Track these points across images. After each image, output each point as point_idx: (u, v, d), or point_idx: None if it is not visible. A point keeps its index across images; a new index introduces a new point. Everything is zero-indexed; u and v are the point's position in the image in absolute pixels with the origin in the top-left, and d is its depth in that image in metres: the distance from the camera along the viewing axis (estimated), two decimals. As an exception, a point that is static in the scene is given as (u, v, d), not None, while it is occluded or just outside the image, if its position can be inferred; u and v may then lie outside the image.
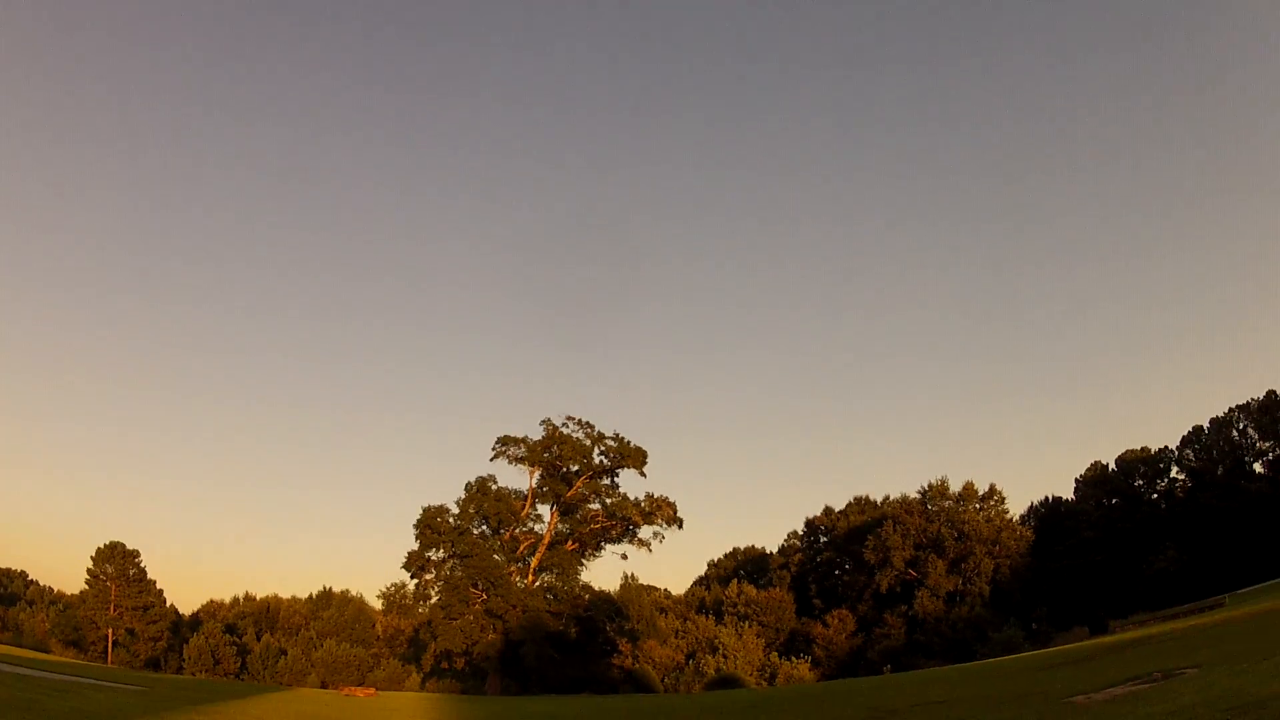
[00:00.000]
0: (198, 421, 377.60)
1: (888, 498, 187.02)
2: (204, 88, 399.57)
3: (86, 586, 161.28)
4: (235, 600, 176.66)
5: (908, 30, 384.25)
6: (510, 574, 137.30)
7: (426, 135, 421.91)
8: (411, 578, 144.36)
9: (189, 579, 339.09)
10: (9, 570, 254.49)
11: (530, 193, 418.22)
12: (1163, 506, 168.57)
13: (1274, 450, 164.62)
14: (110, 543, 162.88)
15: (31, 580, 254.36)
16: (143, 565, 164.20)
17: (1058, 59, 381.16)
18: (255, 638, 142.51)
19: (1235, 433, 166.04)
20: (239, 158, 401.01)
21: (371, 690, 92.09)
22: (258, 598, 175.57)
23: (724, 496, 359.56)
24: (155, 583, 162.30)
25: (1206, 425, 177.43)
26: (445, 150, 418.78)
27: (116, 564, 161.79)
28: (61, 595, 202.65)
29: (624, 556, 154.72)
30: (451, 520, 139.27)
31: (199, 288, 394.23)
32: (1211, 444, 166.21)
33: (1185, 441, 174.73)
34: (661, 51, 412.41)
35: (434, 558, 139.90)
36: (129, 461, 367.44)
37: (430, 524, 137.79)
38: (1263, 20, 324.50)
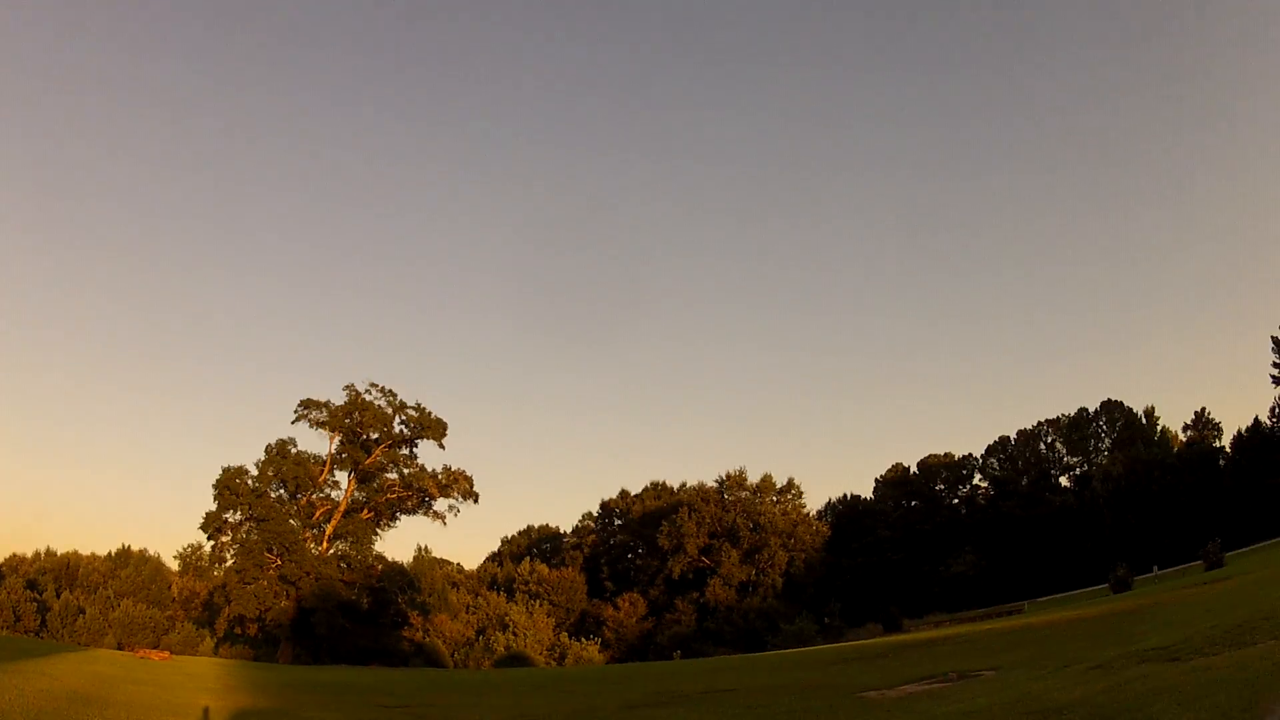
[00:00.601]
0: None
1: (685, 484, 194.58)
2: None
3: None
4: (37, 555, 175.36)
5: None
6: (305, 540, 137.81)
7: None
8: (209, 539, 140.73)
9: None
10: None
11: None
12: (963, 512, 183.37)
13: (1081, 466, 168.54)
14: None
15: None
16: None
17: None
18: (55, 595, 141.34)
19: (1043, 446, 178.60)
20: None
21: (166, 654, 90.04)
22: (58, 553, 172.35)
23: (520, 473, 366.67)
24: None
25: (1013, 436, 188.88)
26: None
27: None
28: None
29: (445, 516, 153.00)
30: (250, 483, 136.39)
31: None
32: (1017, 455, 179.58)
33: (990, 450, 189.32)
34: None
35: (231, 520, 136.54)
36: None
37: (229, 485, 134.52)
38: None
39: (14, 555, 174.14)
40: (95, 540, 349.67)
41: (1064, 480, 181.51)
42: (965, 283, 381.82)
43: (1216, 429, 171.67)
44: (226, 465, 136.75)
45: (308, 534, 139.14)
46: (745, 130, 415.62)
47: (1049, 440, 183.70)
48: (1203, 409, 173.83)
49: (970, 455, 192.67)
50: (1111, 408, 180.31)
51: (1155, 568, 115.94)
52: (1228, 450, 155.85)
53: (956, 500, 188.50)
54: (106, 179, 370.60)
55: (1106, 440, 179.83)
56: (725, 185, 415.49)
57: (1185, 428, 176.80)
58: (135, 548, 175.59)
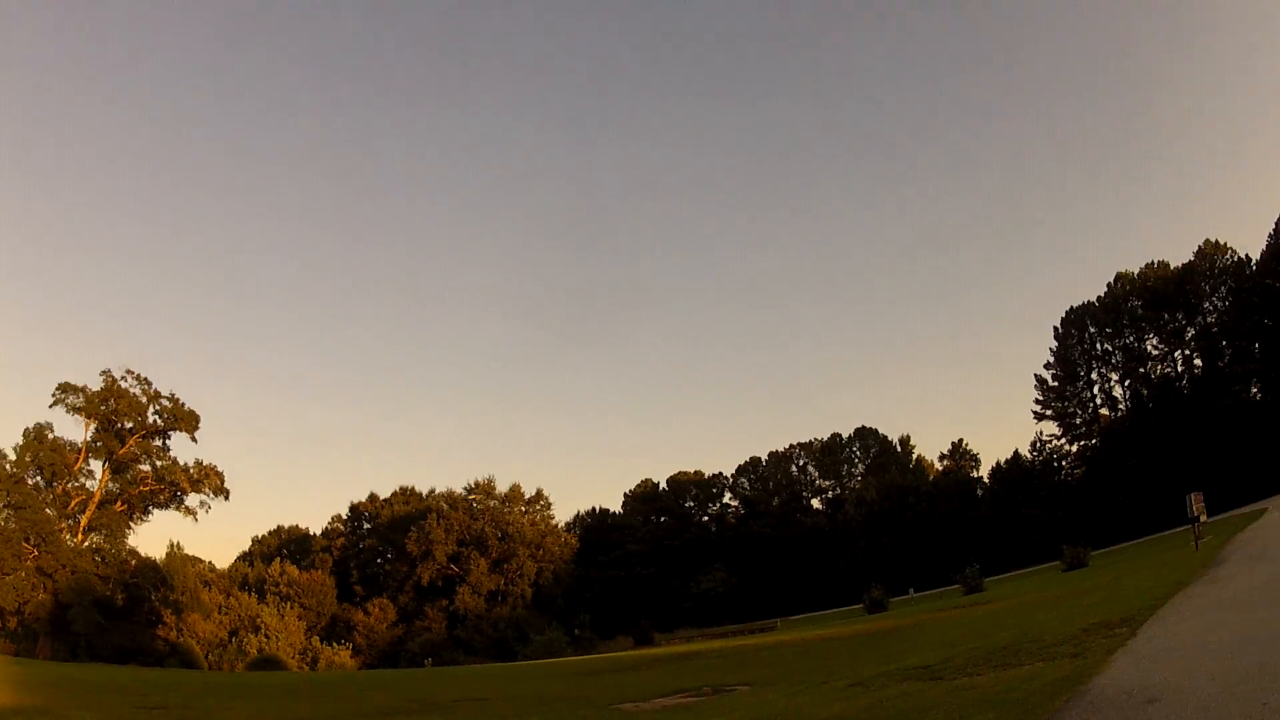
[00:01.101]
0: None
1: (434, 491, 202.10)
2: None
3: None
4: None
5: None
6: (61, 531, 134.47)
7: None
8: None
9: None
10: None
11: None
12: (714, 530, 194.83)
13: (834, 489, 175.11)
14: None
15: None
16: None
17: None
18: None
19: (795, 468, 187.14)
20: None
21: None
22: None
23: (271, 471, 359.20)
24: None
25: (765, 457, 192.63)
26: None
27: None
28: None
29: (196, 512, 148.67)
30: (8, 467, 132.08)
31: None
32: (769, 475, 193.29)
33: (741, 470, 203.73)
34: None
35: None
36: None
37: None
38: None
39: None
40: None
41: (816, 502, 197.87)
42: (722, 305, 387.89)
43: (974, 460, 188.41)
44: None
45: (63, 525, 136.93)
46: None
47: (801, 463, 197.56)
48: (960, 440, 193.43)
49: (721, 474, 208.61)
50: (865, 434, 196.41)
51: (911, 590, 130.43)
52: (986, 480, 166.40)
53: (707, 518, 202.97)
54: None
55: (860, 465, 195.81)
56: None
57: (942, 457, 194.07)
58: None
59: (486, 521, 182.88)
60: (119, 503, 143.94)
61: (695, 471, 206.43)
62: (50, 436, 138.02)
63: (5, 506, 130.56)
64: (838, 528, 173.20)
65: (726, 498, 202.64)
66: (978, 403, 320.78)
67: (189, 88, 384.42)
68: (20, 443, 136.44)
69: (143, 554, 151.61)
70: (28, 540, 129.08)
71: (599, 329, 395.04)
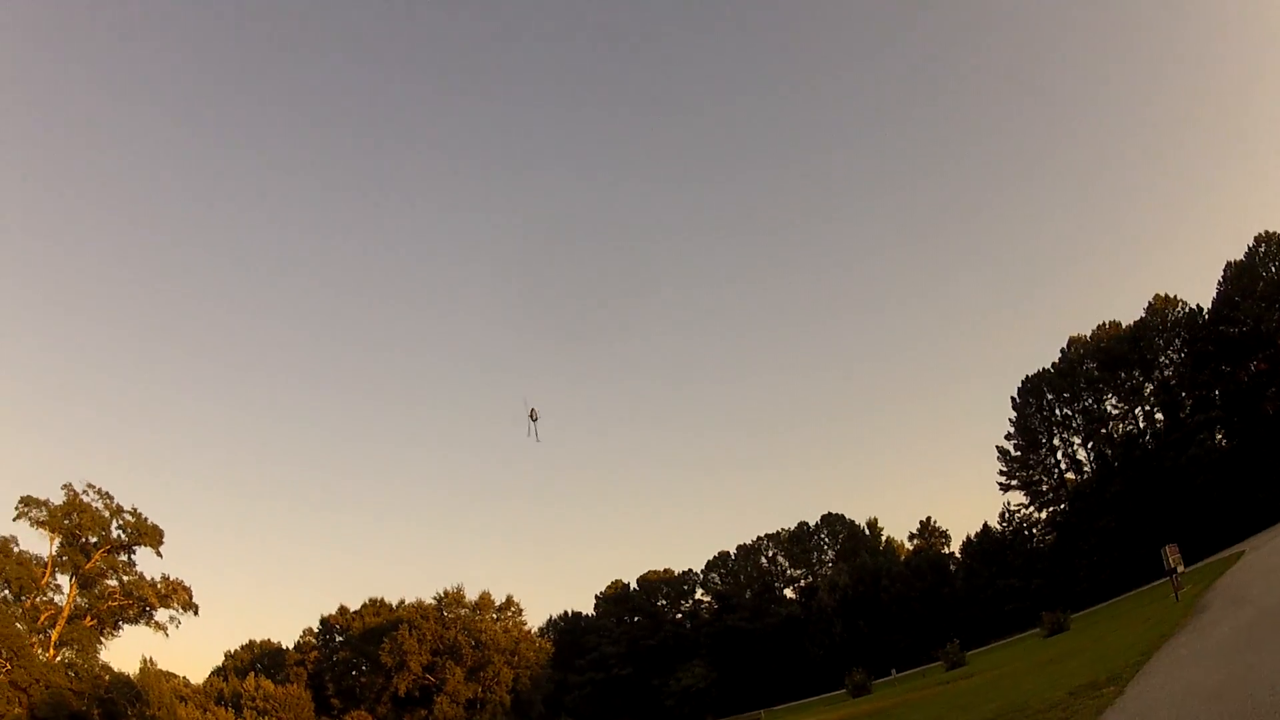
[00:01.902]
0: None
1: (404, 601, 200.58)
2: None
3: None
4: None
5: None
6: (33, 645, 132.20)
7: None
8: None
9: None
10: None
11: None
12: (688, 626, 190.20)
13: (806, 578, 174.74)
14: None
15: None
16: None
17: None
18: None
19: (764, 559, 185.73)
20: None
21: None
22: None
23: (241, 584, 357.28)
24: None
25: (734, 551, 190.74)
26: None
27: None
28: None
29: (166, 627, 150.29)
30: None
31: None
32: (739, 569, 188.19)
33: (711, 565, 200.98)
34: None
35: None
36: None
37: None
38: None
39: None
40: None
41: (789, 592, 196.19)
42: (677, 394, 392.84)
43: (944, 536, 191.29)
44: None
45: (34, 639, 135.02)
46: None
47: (770, 554, 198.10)
48: (929, 518, 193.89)
49: (690, 571, 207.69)
50: (833, 520, 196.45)
51: (894, 670, 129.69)
52: (958, 555, 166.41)
53: (680, 615, 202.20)
54: None
55: (830, 551, 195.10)
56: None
57: (912, 536, 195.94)
58: None
59: (459, 630, 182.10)
60: (88, 618, 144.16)
61: (665, 570, 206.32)
62: (15, 550, 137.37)
63: None
64: (812, 615, 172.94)
65: (699, 594, 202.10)
66: (943, 480, 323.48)
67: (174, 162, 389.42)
68: None
69: (116, 669, 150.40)
70: (0, 655, 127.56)
71: (562, 435, 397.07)
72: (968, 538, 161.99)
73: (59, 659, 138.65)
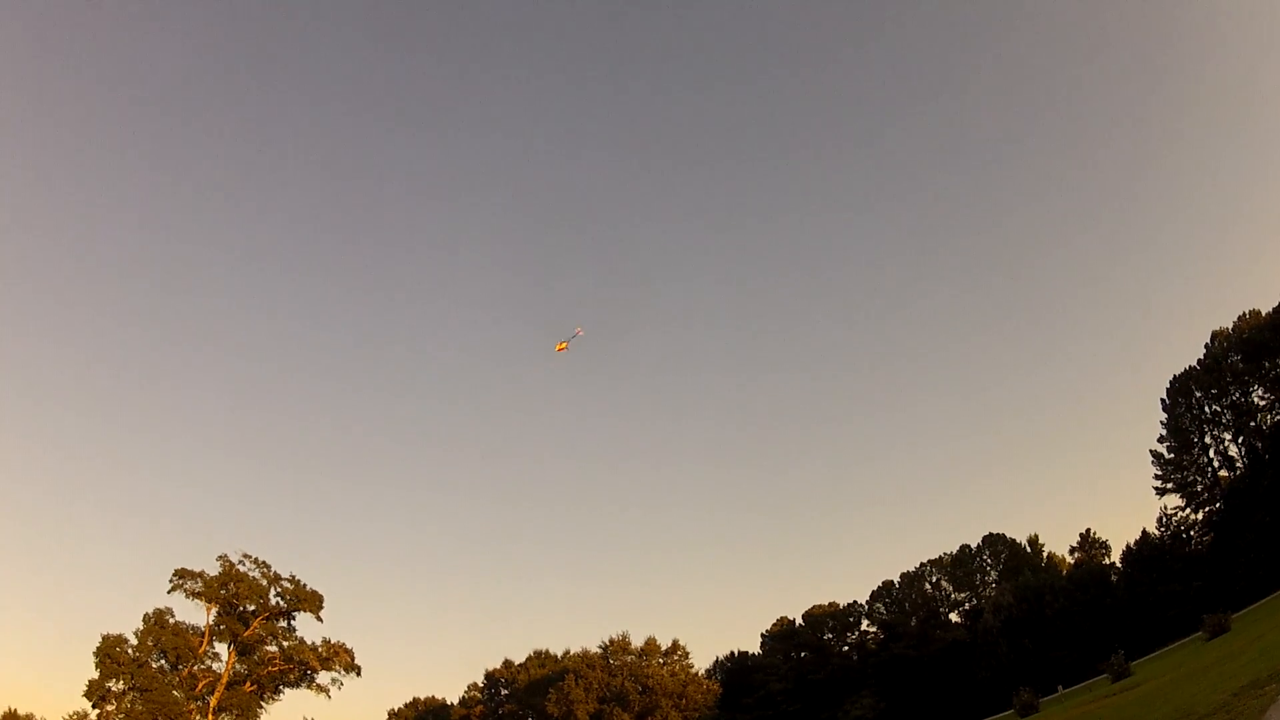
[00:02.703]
0: None
1: (568, 651, 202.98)
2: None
3: None
4: None
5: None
6: (191, 712, 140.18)
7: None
8: (93, 707, 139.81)
9: None
10: None
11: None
12: (855, 658, 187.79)
13: (970, 600, 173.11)
14: None
15: None
16: None
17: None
18: None
19: (929, 585, 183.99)
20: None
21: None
22: None
23: (403, 643, 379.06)
24: None
25: (897, 580, 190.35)
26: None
27: None
28: None
29: (328, 689, 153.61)
30: (131, 651, 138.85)
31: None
32: (904, 597, 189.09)
33: (875, 595, 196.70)
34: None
35: (114, 688, 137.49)
36: None
37: (109, 653, 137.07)
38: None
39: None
40: None
41: (954, 616, 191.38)
42: (832, 428, 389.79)
43: (1104, 547, 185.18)
44: (106, 633, 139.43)
45: (192, 706, 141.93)
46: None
47: (934, 579, 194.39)
48: (1088, 530, 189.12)
49: (855, 602, 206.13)
50: (994, 540, 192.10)
51: (1060, 687, 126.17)
52: (1118, 565, 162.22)
53: (846, 647, 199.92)
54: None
55: (993, 572, 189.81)
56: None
57: (1072, 550, 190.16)
58: (22, 711, 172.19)
59: (625, 677, 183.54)
60: (248, 683, 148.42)
61: (830, 603, 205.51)
62: (171, 621, 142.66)
63: (131, 689, 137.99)
64: (977, 638, 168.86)
65: (864, 625, 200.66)
66: (1101, 489, 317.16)
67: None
68: (141, 628, 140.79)
69: None
70: None
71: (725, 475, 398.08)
72: (1127, 546, 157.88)
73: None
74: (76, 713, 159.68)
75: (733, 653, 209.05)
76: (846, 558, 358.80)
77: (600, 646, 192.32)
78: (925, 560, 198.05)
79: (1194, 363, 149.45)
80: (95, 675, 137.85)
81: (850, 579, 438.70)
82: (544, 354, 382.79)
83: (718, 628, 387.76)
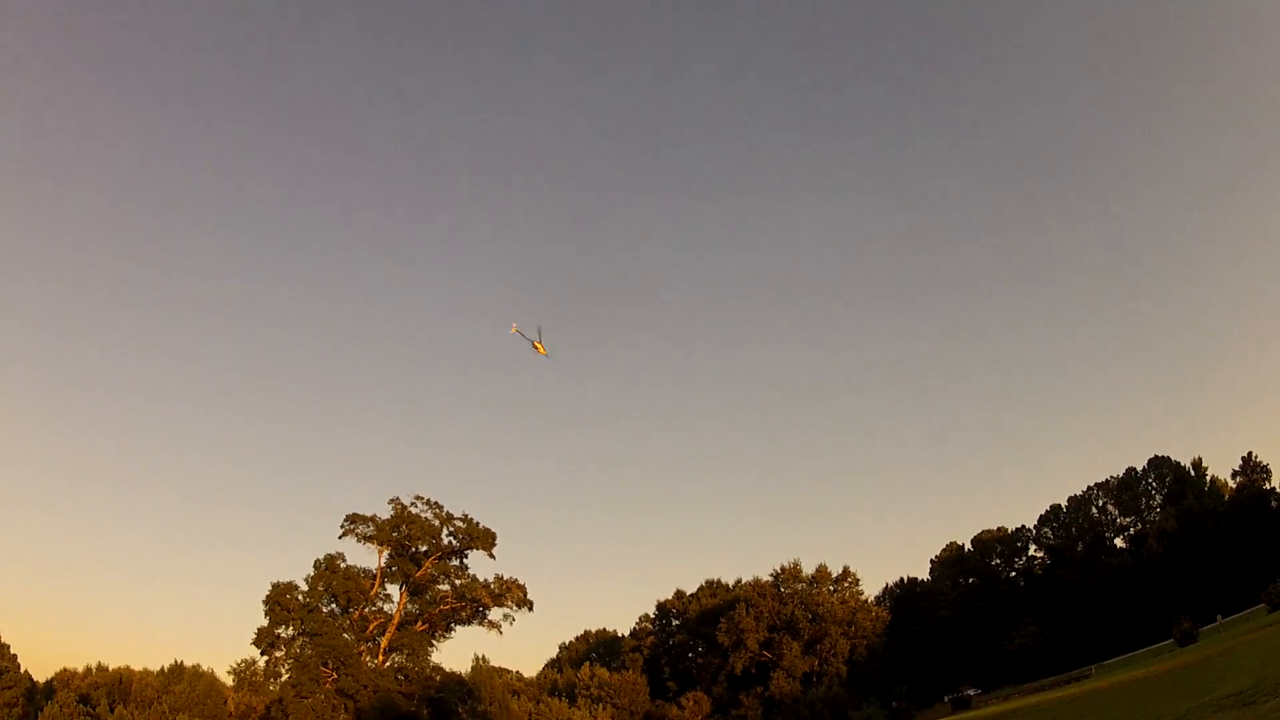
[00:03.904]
0: (52, 482, 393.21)
1: (740, 580, 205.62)
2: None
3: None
4: (89, 669, 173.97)
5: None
6: (361, 653, 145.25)
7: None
8: (262, 654, 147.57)
9: (44, 643, 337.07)
10: None
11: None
12: (1021, 584, 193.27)
13: (1135, 525, 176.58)
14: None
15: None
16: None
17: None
18: (109, 709, 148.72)
19: (1095, 510, 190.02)
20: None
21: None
22: (110, 668, 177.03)
23: (574, 578, 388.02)
24: (10, 647, 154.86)
25: (1064, 504, 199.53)
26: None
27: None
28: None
29: (500, 625, 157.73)
30: (301, 598, 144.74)
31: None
32: (1070, 522, 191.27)
33: (1043, 520, 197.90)
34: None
35: (284, 635, 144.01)
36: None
37: (279, 600, 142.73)
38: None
39: (64, 670, 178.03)
40: (147, 655, 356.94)
41: (1119, 541, 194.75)
42: (1018, 338, 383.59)
43: (1265, 471, 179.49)
44: (276, 581, 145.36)
45: (363, 647, 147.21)
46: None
47: (1100, 504, 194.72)
48: (1250, 453, 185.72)
49: (1023, 527, 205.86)
50: (1160, 464, 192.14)
51: (1219, 616, 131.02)
52: (1279, 490, 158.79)
53: (1014, 573, 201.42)
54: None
55: (1158, 497, 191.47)
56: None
57: (1234, 474, 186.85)
58: (188, 663, 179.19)
59: (796, 605, 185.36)
60: (420, 623, 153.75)
61: (998, 528, 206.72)
62: (343, 566, 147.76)
63: (301, 634, 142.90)
64: (1141, 564, 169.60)
65: (1031, 550, 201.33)
66: (1262, 411, 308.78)
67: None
68: (311, 574, 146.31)
69: (448, 669, 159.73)
70: (326, 665, 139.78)
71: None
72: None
73: (388, 664, 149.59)
74: (244, 660, 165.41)
75: (902, 579, 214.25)
76: (1015, 480, 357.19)
77: (771, 575, 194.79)
78: (1091, 484, 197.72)
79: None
80: (265, 623, 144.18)
81: (1019, 503, 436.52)
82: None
83: (888, 554, 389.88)
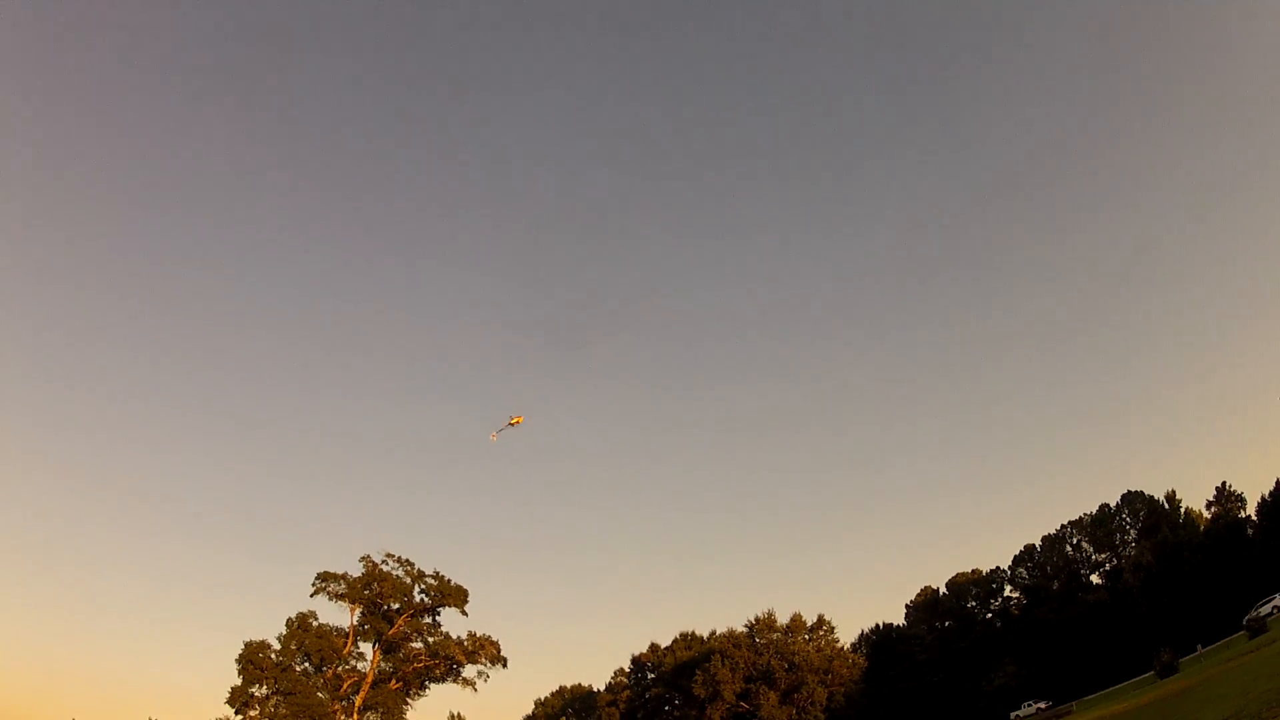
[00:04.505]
0: (22, 535, 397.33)
1: (714, 632, 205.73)
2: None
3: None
4: None
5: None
6: (335, 712, 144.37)
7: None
8: (236, 713, 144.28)
9: (16, 705, 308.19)
10: None
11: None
12: (998, 625, 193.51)
13: (1110, 561, 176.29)
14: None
15: None
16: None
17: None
18: None
19: (1069, 548, 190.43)
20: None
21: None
22: None
23: (548, 632, 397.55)
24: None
25: (1039, 543, 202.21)
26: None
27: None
28: None
29: (474, 682, 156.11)
30: (274, 656, 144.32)
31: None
32: (1045, 560, 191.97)
33: (1018, 560, 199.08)
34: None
35: (258, 694, 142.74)
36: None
37: (252, 659, 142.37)
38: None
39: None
40: (122, 716, 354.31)
41: (1095, 578, 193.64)
42: (972, 396, 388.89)
43: (1240, 500, 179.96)
44: (248, 639, 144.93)
45: (337, 706, 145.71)
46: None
47: (1075, 541, 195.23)
48: (1224, 483, 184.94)
49: (998, 568, 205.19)
50: (1133, 499, 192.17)
51: (1199, 646, 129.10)
52: (1254, 518, 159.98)
53: (990, 614, 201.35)
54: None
55: (1132, 531, 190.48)
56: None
57: (1209, 504, 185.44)
58: None
59: (771, 655, 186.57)
60: (393, 681, 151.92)
61: (973, 570, 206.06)
62: (315, 624, 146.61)
63: (275, 693, 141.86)
64: (1118, 599, 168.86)
65: (1007, 590, 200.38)
66: (1234, 441, 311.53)
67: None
68: (284, 632, 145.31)
69: None
70: None
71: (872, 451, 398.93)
72: (1262, 498, 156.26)
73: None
74: (219, 719, 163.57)
75: (877, 625, 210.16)
76: (989, 522, 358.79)
77: (746, 625, 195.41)
78: (1065, 522, 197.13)
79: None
80: (238, 682, 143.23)
81: (994, 544, 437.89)
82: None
83: (863, 601, 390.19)
